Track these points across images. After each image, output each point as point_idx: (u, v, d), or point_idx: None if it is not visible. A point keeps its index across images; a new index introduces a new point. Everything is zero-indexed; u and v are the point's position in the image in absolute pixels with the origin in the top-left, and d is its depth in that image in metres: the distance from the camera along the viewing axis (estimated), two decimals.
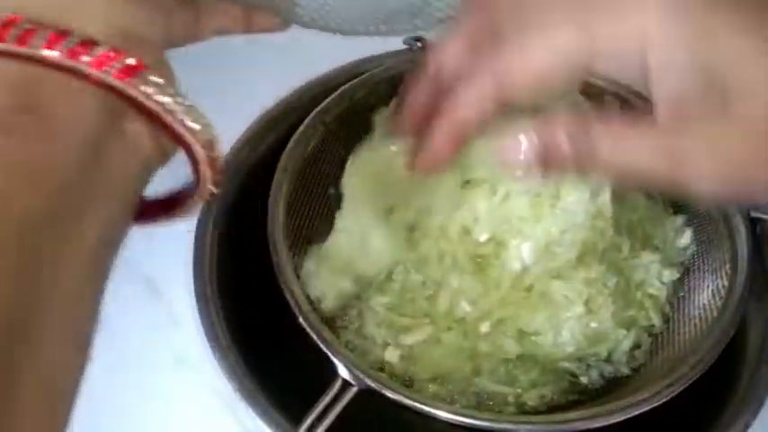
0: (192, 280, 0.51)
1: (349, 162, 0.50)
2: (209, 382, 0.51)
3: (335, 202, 0.51)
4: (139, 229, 0.57)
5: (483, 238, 0.44)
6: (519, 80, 0.33)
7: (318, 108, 0.52)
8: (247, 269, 0.53)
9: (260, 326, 0.51)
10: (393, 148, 0.48)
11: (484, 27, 0.36)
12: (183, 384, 0.52)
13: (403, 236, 0.46)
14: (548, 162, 0.33)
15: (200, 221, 0.53)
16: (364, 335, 0.46)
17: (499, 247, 0.43)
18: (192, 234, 0.53)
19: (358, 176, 0.49)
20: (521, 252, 0.42)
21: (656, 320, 0.47)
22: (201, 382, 0.51)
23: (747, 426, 0.46)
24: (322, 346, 0.42)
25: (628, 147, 0.32)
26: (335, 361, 0.41)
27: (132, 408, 0.51)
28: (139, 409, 0.51)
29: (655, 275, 0.48)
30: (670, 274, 0.49)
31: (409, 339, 0.44)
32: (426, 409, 0.40)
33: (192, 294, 0.51)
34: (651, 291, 0.47)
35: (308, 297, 0.45)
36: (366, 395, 0.41)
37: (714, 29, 0.31)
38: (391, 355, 0.44)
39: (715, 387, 0.46)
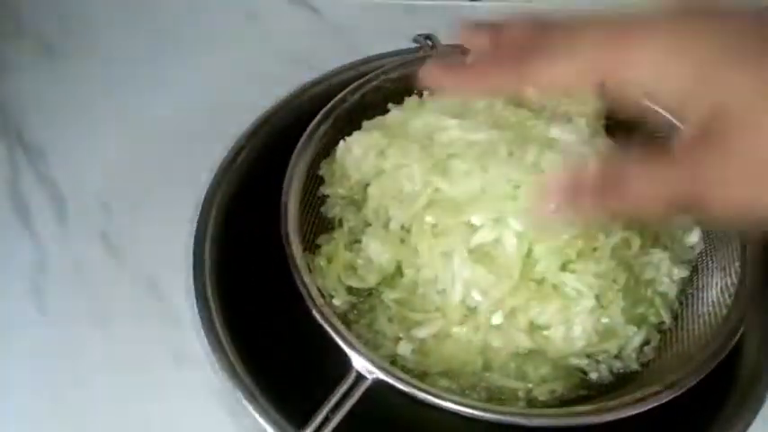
0: (191, 279, 0.51)
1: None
2: (209, 382, 0.50)
3: None
4: (140, 229, 0.57)
5: (477, 221, 0.44)
6: (539, 80, 0.38)
7: (329, 105, 0.52)
8: (247, 268, 0.53)
9: (260, 325, 0.51)
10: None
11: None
12: (183, 383, 0.52)
13: (398, 236, 0.47)
14: (579, 195, 0.36)
15: (200, 220, 0.53)
16: (375, 329, 0.46)
17: (496, 227, 0.43)
18: (192, 232, 0.53)
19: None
20: (513, 225, 0.43)
21: (666, 318, 0.47)
22: (201, 381, 0.51)
23: (748, 424, 0.47)
24: (336, 338, 0.42)
25: (656, 177, 0.35)
26: (350, 353, 0.41)
27: (131, 406, 0.51)
28: (138, 408, 0.51)
29: (665, 273, 0.49)
30: (679, 272, 0.49)
31: (421, 333, 0.44)
32: (443, 403, 0.40)
33: (192, 293, 0.50)
34: (661, 288, 0.48)
35: (319, 290, 0.45)
36: (376, 391, 0.41)
37: (719, 67, 0.34)
38: (404, 349, 0.44)
39: (715, 386, 0.46)
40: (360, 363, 0.41)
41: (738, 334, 0.45)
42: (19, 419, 0.50)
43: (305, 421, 0.41)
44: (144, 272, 0.57)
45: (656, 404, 0.42)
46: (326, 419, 0.40)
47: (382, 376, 0.40)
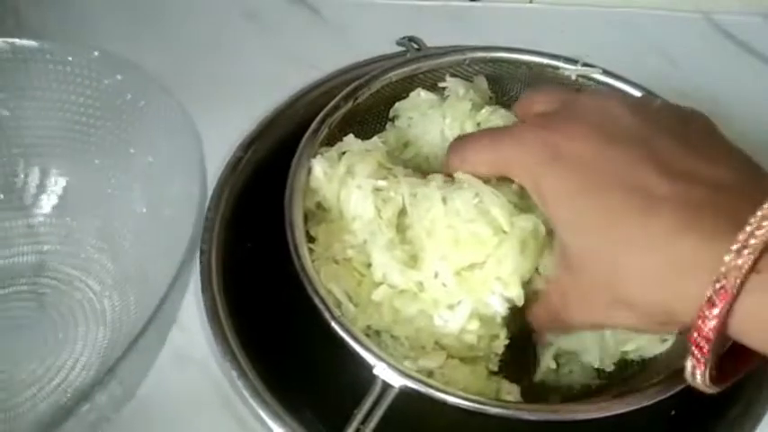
0: (197, 277, 0.51)
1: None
2: (214, 382, 0.51)
3: None
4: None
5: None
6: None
7: (321, 113, 0.51)
8: (252, 268, 0.53)
9: (267, 325, 0.51)
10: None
11: None
12: (186, 384, 0.52)
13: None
14: None
15: (206, 218, 0.53)
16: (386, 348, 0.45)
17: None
18: (197, 233, 0.53)
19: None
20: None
21: None
22: (205, 382, 0.51)
23: (757, 421, 0.47)
24: (359, 349, 0.41)
25: None
26: (375, 362, 0.40)
27: (133, 407, 0.50)
28: (140, 409, 0.50)
29: None
30: None
31: (425, 363, 0.43)
32: (474, 405, 0.40)
33: (198, 292, 0.50)
34: None
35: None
36: (402, 400, 0.41)
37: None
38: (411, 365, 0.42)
39: None
40: (386, 372, 0.40)
41: None
42: None
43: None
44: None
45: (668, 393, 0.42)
46: None
47: (411, 384, 0.40)
